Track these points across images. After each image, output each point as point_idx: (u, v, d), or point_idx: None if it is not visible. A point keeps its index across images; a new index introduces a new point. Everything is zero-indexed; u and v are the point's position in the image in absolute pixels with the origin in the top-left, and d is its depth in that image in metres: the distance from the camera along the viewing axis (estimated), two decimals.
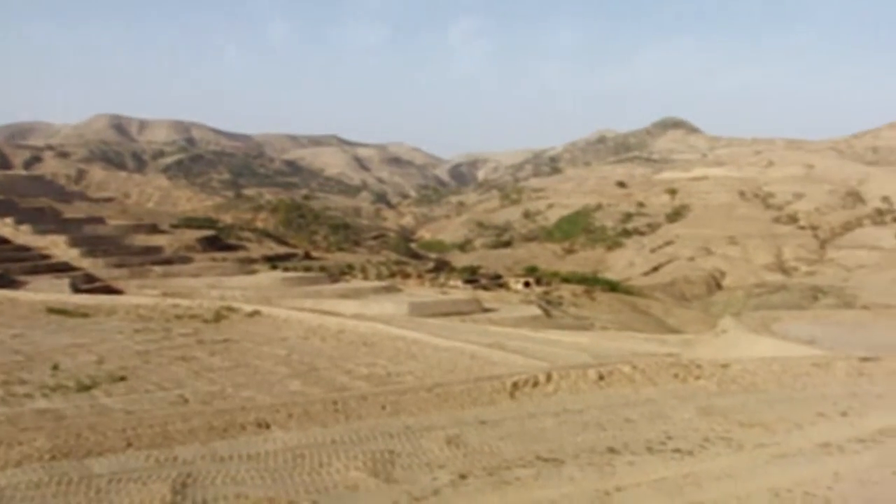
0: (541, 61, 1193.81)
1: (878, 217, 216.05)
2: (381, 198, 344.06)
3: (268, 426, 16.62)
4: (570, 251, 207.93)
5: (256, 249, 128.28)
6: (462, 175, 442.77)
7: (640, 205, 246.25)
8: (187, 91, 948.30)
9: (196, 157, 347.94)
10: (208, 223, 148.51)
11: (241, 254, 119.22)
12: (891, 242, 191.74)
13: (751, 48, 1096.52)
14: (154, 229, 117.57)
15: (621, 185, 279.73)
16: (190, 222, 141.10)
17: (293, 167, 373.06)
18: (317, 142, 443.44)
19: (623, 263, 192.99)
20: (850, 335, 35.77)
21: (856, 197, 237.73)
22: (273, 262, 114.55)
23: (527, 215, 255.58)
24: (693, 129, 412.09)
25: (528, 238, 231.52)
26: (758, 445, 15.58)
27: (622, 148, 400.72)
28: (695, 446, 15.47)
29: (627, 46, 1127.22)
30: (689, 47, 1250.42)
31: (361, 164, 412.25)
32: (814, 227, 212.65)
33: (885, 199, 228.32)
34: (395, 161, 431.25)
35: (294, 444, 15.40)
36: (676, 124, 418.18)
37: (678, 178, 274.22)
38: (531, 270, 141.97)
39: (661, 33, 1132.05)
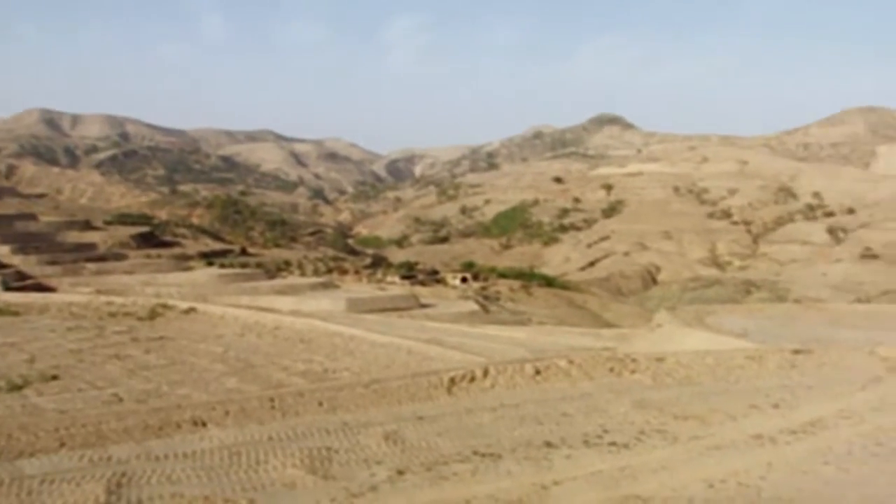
0: (478, 58, 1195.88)
1: (809, 212, 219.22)
2: (317, 194, 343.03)
3: (204, 424, 16.46)
4: (507, 247, 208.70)
5: (192, 246, 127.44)
6: (399, 171, 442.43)
7: (577, 200, 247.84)
8: (121, 86, 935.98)
9: (130, 153, 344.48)
10: (143, 220, 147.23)
11: (176, 250, 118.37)
12: (821, 237, 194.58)
13: (686, 45, 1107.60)
14: (87, 226, 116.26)
15: (558, 180, 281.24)
16: (124, 219, 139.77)
17: (229, 163, 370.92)
18: (253, 137, 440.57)
19: (559, 259, 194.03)
20: (781, 328, 36.14)
21: (787, 192, 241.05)
22: (209, 258, 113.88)
23: (464, 211, 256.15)
24: (628, 126, 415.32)
25: (466, 234, 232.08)
26: (692, 437, 15.70)
27: (559, 144, 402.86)
28: (631, 439, 15.55)
29: (564, 43, 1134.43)
30: (624, 44, 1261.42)
31: (298, 159, 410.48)
32: (747, 223, 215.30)
33: (816, 194, 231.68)
34: (332, 157, 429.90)
35: (231, 442, 15.26)
36: (612, 120, 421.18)
37: (614, 174, 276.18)
38: (468, 266, 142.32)
39: (598, 30, 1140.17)
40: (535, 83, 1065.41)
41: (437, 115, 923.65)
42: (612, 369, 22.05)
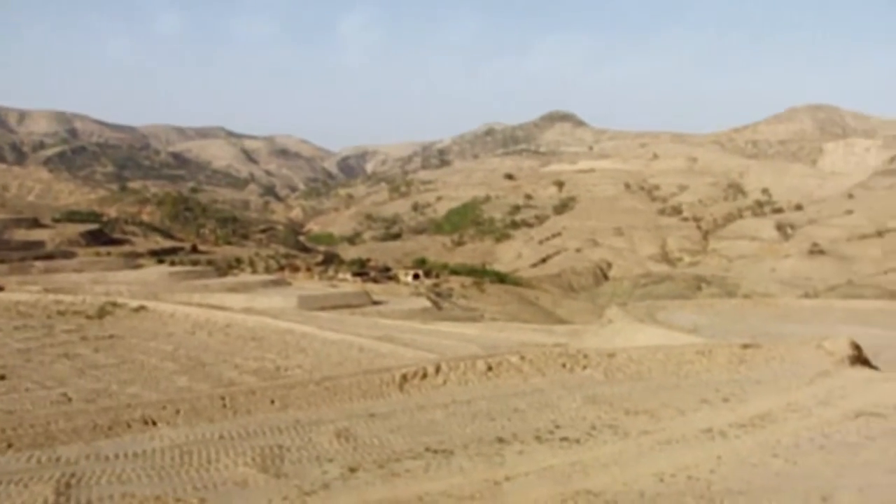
0: (431, 54, 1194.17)
1: (758, 208, 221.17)
2: (269, 190, 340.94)
3: (154, 423, 16.34)
4: (459, 243, 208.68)
5: (142, 244, 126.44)
6: (351, 168, 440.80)
7: (528, 197, 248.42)
8: (70, 82, 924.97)
9: (79, 149, 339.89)
10: (92, 217, 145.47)
11: (126, 248, 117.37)
12: (770, 233, 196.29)
13: (636, 43, 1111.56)
14: (35, 223, 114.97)
15: (509, 177, 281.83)
16: (73, 216, 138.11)
17: (179, 159, 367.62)
18: (204, 134, 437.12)
19: (512, 255, 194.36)
20: (731, 323, 36.52)
21: (737, 189, 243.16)
22: (159, 256, 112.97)
23: (416, 208, 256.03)
24: (580, 122, 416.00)
25: (418, 230, 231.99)
26: (643, 432, 15.79)
27: (510, 140, 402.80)
28: (582, 434, 15.62)
29: (516, 40, 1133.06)
30: (576, 42, 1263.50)
31: (249, 156, 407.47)
32: (697, 219, 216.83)
33: (765, 191, 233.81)
34: (284, 153, 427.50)
35: (181, 441, 15.16)
36: (564, 117, 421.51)
37: (565, 171, 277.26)
38: (420, 263, 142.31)
39: (550, 28, 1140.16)
40: (487, 80, 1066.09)
41: (389, 111, 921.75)
42: (563, 365, 22.12)
